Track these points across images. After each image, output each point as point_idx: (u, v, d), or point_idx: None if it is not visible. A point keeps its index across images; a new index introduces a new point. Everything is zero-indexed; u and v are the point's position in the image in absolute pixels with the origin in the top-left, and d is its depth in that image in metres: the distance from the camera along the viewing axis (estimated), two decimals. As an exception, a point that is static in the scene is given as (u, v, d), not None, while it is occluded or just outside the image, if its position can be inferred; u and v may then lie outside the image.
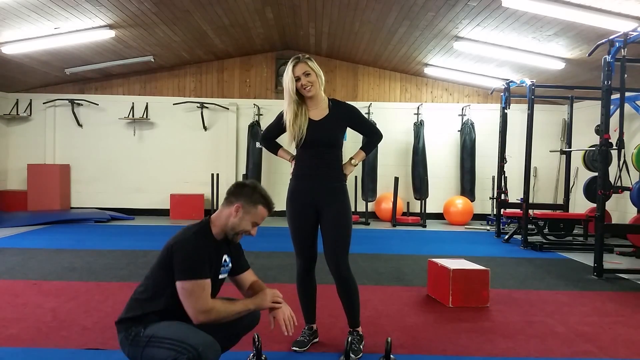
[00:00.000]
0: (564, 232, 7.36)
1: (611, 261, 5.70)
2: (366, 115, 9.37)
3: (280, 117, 2.91)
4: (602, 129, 5.04)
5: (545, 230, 7.16)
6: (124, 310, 2.24)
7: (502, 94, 7.63)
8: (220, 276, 2.34)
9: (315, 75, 2.77)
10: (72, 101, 9.36)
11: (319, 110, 2.84)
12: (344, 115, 2.88)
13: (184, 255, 2.12)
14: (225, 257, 2.34)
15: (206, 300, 2.12)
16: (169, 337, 2.08)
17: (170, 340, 2.06)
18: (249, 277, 2.47)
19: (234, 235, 2.29)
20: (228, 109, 9.58)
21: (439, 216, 9.51)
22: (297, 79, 2.74)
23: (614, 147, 5.09)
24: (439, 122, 9.67)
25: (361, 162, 9.12)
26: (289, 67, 2.76)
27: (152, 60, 8.54)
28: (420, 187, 9.13)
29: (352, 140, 9.62)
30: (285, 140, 2.91)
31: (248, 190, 2.28)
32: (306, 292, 2.98)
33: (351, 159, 2.95)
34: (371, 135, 3.09)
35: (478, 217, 9.34)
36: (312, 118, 2.83)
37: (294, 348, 2.89)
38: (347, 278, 2.83)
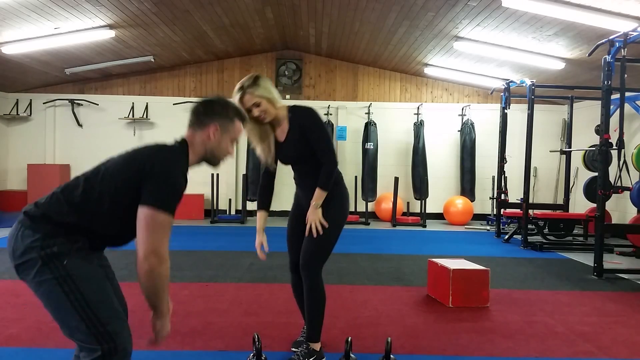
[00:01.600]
0: (564, 232, 7.36)
1: (611, 261, 5.70)
2: (366, 115, 9.39)
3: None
4: (602, 129, 5.04)
5: (545, 230, 7.16)
6: (45, 205, 1.76)
7: (502, 94, 7.64)
8: None
9: (266, 101, 2.54)
10: (72, 101, 9.36)
11: (281, 130, 2.68)
12: (300, 130, 2.64)
13: (167, 183, 1.76)
14: None
15: (167, 245, 1.76)
16: (91, 302, 1.70)
17: (90, 311, 1.69)
18: None
19: (214, 160, 2.00)
20: (228, 109, 9.57)
21: (439, 216, 9.51)
22: (249, 111, 2.53)
23: (614, 147, 5.09)
24: (439, 122, 9.67)
25: (361, 162, 9.34)
26: (235, 100, 2.51)
27: (152, 60, 8.54)
28: (420, 187, 9.13)
29: (351, 140, 9.69)
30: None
31: (219, 106, 2.00)
32: (296, 291, 2.96)
33: (314, 202, 2.67)
34: (322, 160, 2.63)
35: (478, 217, 9.35)
36: (277, 139, 2.71)
37: (293, 349, 2.89)
38: (311, 287, 2.69)
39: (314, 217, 2.63)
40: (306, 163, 2.70)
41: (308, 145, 2.64)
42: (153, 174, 1.74)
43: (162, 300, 1.78)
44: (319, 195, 2.63)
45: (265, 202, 2.85)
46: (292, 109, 2.67)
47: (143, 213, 1.71)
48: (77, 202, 1.75)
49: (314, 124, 2.65)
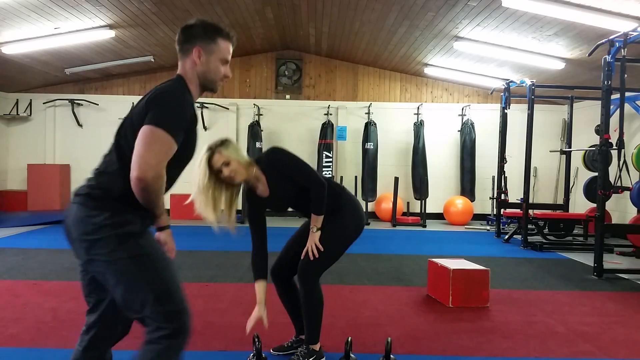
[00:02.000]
0: (564, 232, 7.36)
1: (611, 261, 5.70)
2: (366, 115, 9.39)
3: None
4: (602, 129, 5.04)
5: (545, 230, 7.16)
6: (98, 181, 1.79)
7: (502, 94, 7.63)
8: None
9: (236, 162, 2.48)
10: (72, 101, 9.36)
11: (262, 185, 2.64)
12: (277, 172, 2.62)
13: (164, 106, 1.73)
14: None
15: (164, 161, 1.70)
16: (165, 281, 1.73)
17: (165, 289, 1.71)
18: None
19: (210, 84, 1.93)
20: (228, 109, 9.58)
21: (439, 216, 9.51)
22: (219, 172, 2.47)
23: (614, 147, 5.09)
24: (439, 122, 9.67)
25: (361, 162, 9.33)
26: (203, 160, 2.43)
27: (152, 60, 8.54)
28: (420, 187, 9.13)
29: (351, 140, 9.69)
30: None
31: (198, 29, 1.91)
32: (283, 297, 2.94)
33: (313, 227, 2.67)
34: (309, 186, 2.61)
35: (478, 217, 9.35)
36: (263, 195, 2.67)
37: (274, 351, 2.89)
38: (308, 293, 2.68)
39: (311, 242, 2.65)
40: (301, 197, 2.66)
41: (291, 179, 2.62)
42: (151, 102, 1.74)
43: (158, 206, 1.76)
44: (315, 219, 2.64)
45: (262, 270, 2.72)
46: (259, 161, 2.63)
47: (141, 130, 1.70)
48: (118, 166, 1.76)
49: (285, 160, 2.63)
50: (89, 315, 1.93)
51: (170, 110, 1.73)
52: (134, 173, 1.66)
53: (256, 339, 2.64)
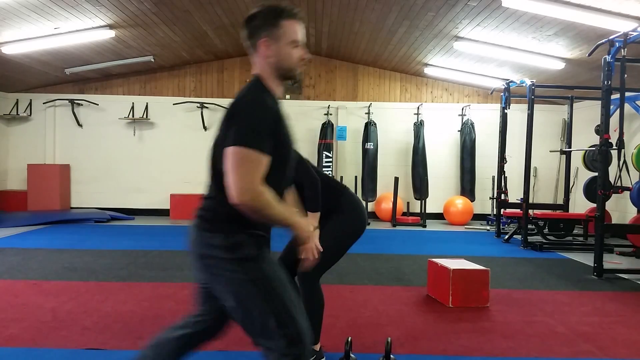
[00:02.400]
0: (564, 232, 7.36)
1: (611, 261, 5.70)
2: (366, 115, 9.39)
3: None
4: (602, 129, 5.04)
5: (545, 230, 7.16)
6: (209, 204, 1.75)
7: (502, 94, 7.63)
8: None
9: None
10: (72, 101, 9.36)
11: None
12: None
13: (242, 121, 1.64)
14: None
15: (258, 178, 1.61)
16: (285, 303, 1.67)
17: (285, 312, 1.66)
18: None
19: (286, 72, 1.79)
20: (228, 109, 9.57)
21: (439, 216, 9.51)
22: None
23: (614, 147, 5.09)
24: (439, 122, 9.67)
25: (361, 162, 9.33)
26: None
27: (152, 60, 8.54)
28: (420, 187, 9.13)
29: (351, 140, 9.68)
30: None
31: (259, 18, 1.76)
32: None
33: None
34: (304, 183, 2.60)
35: (478, 217, 9.34)
36: None
37: None
38: (307, 295, 2.66)
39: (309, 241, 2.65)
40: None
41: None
42: (230, 119, 1.67)
43: (280, 219, 1.67)
44: (311, 217, 2.60)
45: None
46: None
47: (226, 154, 1.62)
48: (217, 191, 1.71)
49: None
50: (195, 316, 1.91)
51: (248, 123, 1.63)
52: (232, 200, 1.60)
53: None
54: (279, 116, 1.72)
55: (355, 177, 9.26)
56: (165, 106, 9.51)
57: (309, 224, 1.80)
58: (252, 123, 1.63)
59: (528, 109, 6.83)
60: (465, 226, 8.90)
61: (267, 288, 1.67)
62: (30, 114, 9.46)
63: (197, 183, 9.35)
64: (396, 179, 8.87)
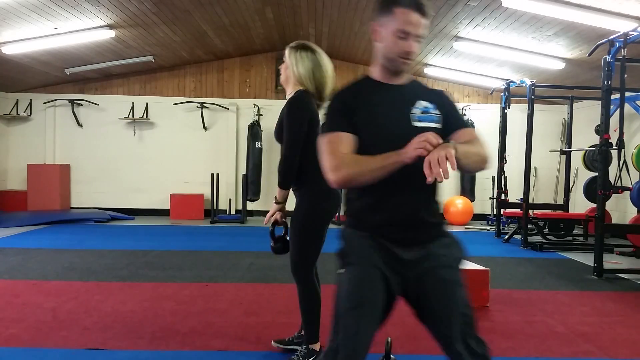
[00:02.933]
0: (564, 232, 7.36)
1: (611, 261, 5.70)
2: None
3: None
4: (602, 129, 5.04)
5: (545, 230, 7.16)
6: None
7: (502, 94, 7.63)
8: (419, 124, 1.68)
9: (286, 67, 2.78)
10: (72, 101, 9.36)
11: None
12: (282, 115, 2.73)
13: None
14: (421, 102, 1.73)
15: (335, 154, 1.64)
16: (341, 295, 1.76)
17: (337, 305, 1.74)
18: (463, 137, 1.71)
19: (390, 64, 1.70)
20: (228, 109, 9.58)
21: (439, 216, 9.50)
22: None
23: (614, 147, 5.09)
24: (439, 122, 9.66)
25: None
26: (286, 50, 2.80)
27: (152, 60, 8.54)
28: (420, 187, 9.12)
29: (352, 140, 9.66)
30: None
31: (379, 1, 1.70)
32: None
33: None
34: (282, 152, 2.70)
35: (478, 217, 9.34)
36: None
37: (275, 344, 2.89)
38: (301, 291, 2.67)
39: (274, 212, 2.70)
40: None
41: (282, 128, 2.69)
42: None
43: (376, 168, 1.59)
44: (278, 194, 2.66)
45: None
46: (296, 92, 2.81)
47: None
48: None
49: (288, 108, 2.71)
50: None
51: (325, 116, 1.82)
52: (331, 184, 1.73)
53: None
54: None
55: (355, 177, 9.26)
56: (165, 106, 9.51)
57: (408, 148, 1.54)
58: (326, 111, 1.81)
59: (528, 109, 6.83)
60: (465, 226, 8.90)
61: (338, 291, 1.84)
62: (30, 114, 9.46)
63: (197, 183, 9.40)
64: (396, 179, 8.85)
